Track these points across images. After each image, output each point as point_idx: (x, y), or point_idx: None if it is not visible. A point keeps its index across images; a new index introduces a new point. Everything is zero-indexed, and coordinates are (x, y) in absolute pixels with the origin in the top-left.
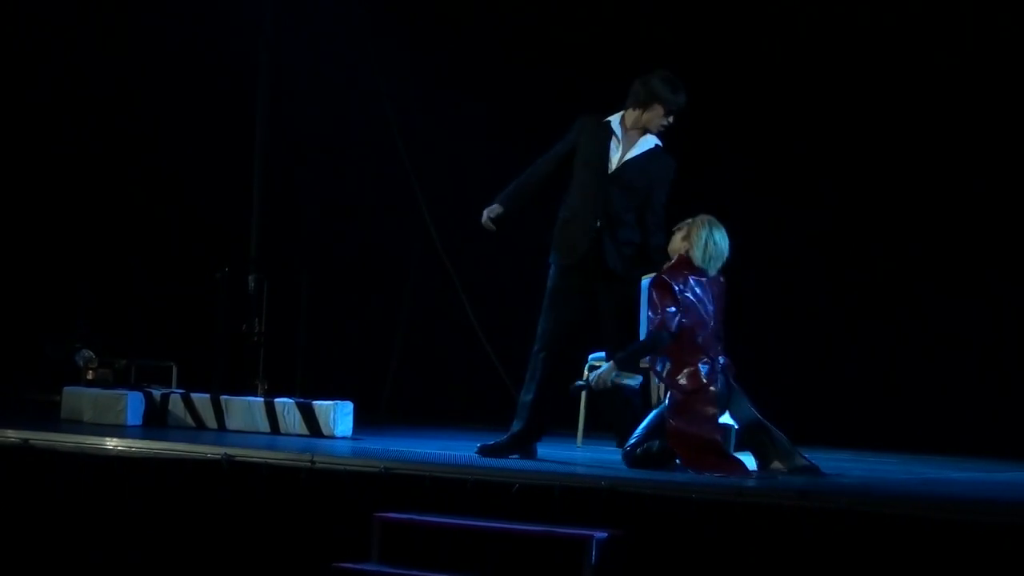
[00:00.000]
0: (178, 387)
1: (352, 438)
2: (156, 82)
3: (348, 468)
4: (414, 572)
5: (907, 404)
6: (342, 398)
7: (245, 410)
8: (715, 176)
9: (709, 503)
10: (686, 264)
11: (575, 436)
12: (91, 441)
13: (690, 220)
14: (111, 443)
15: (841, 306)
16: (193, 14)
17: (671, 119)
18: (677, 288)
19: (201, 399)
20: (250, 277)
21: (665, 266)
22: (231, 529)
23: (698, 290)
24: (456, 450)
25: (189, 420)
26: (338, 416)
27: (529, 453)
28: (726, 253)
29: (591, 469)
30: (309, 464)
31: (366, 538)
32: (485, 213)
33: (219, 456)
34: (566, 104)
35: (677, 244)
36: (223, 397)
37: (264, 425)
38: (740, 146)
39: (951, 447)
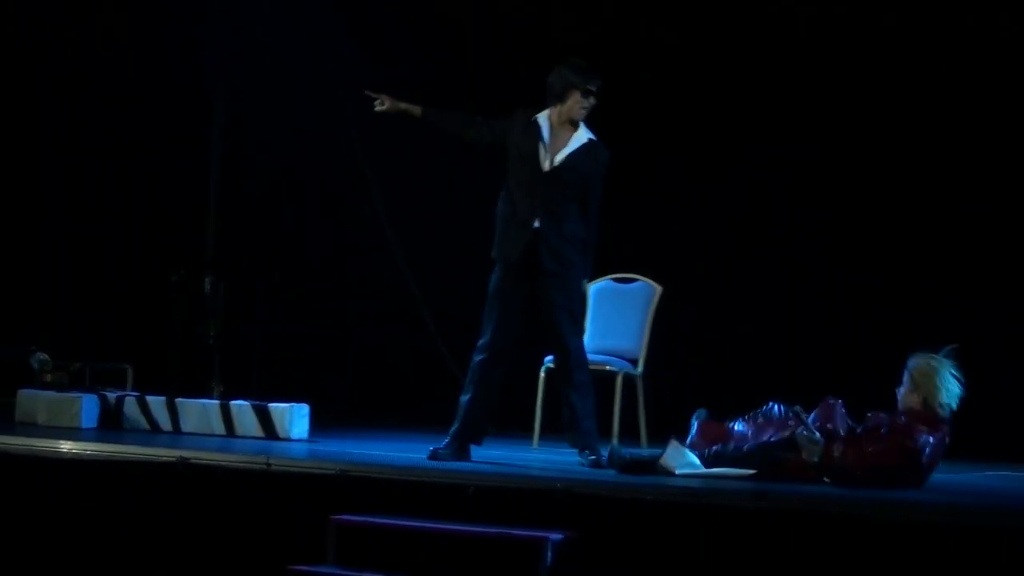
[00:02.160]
0: (133, 390)
1: (308, 440)
2: (112, 81)
3: (304, 470)
4: (369, 574)
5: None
6: (298, 400)
7: (200, 412)
8: (714, 175)
9: (664, 504)
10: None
11: (531, 438)
12: (44, 444)
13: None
14: (65, 446)
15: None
16: (151, 15)
17: (592, 99)
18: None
19: (156, 401)
20: (206, 279)
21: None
22: (186, 532)
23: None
24: (412, 452)
25: (144, 423)
26: (294, 418)
27: (462, 454)
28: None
29: (547, 471)
30: (265, 466)
31: (322, 540)
32: (383, 100)
33: (174, 459)
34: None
35: (909, 400)
36: (178, 400)
37: (219, 427)
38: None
39: None
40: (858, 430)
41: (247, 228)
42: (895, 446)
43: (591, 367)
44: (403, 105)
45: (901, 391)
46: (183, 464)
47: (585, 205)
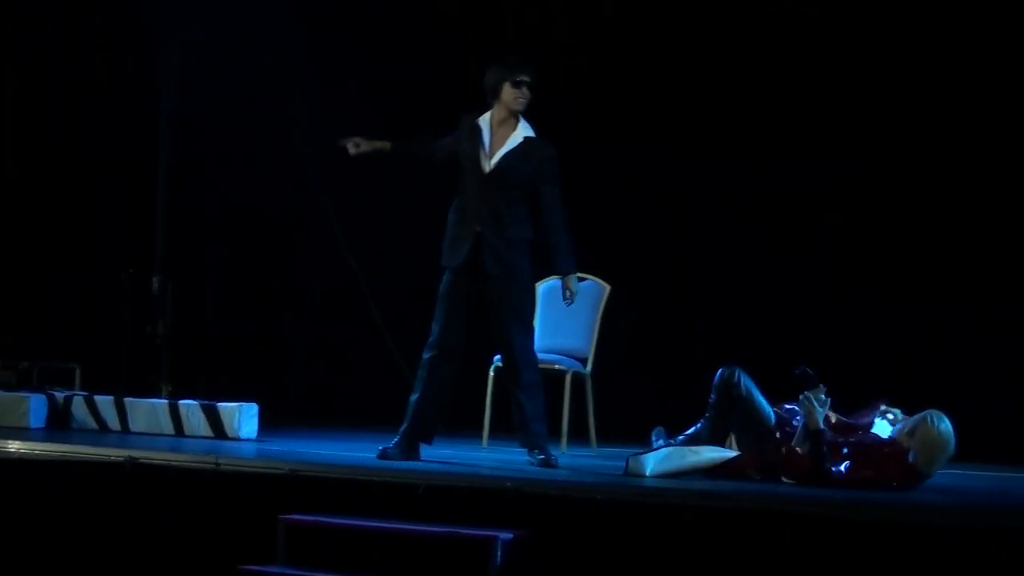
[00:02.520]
0: (81, 389)
1: (257, 440)
2: (62, 78)
3: (253, 470)
4: (319, 574)
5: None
6: (247, 400)
7: (149, 412)
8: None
9: (613, 503)
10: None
11: (481, 437)
12: None
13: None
14: (13, 445)
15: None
16: (104, 13)
17: (525, 90)
18: None
19: (104, 401)
20: (155, 278)
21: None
22: (135, 532)
23: None
24: (361, 452)
25: (92, 422)
26: (243, 418)
27: (412, 453)
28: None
29: (496, 470)
30: (214, 466)
31: (271, 540)
32: (356, 142)
33: (122, 459)
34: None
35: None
36: (127, 399)
37: (168, 427)
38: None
39: None
40: (845, 448)
41: (196, 227)
42: (894, 470)
43: (540, 366)
44: (377, 144)
45: (897, 428)
46: (132, 464)
47: (534, 206)
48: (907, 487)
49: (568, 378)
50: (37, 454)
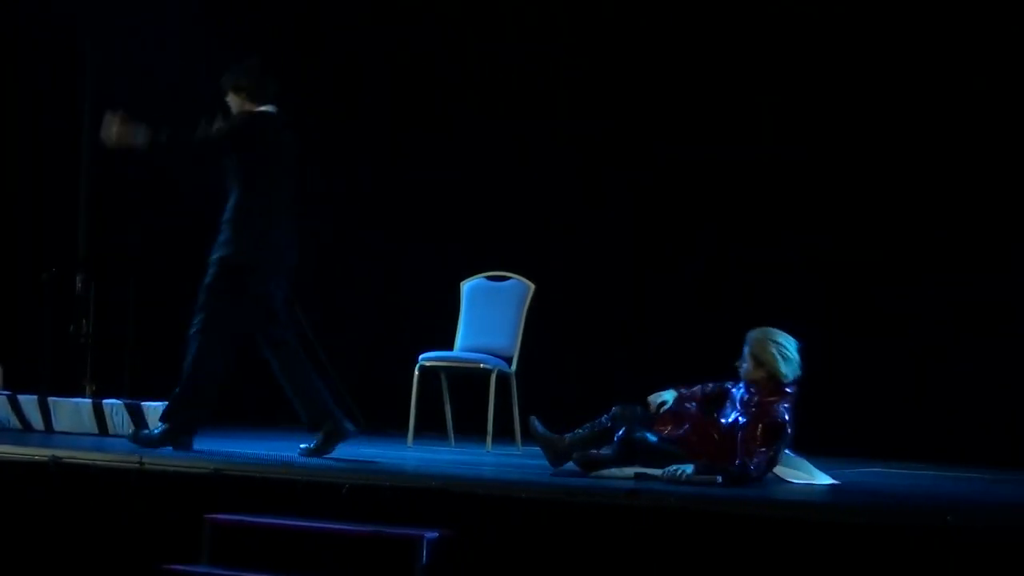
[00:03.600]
0: (4, 389)
1: None
2: None
3: (177, 469)
4: (245, 573)
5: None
6: (148, 397)
7: (73, 412)
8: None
9: (539, 502)
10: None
11: (406, 436)
12: None
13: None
14: None
15: (693, 304)
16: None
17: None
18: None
19: (28, 400)
20: (77, 277)
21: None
22: (59, 532)
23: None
24: (286, 451)
25: (15, 422)
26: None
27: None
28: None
29: (422, 469)
30: (138, 465)
31: (196, 540)
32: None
33: (46, 458)
34: (389, 102)
35: (755, 375)
36: (50, 398)
37: (92, 426)
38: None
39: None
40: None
41: (118, 226)
42: (765, 431)
43: (466, 364)
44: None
45: (744, 367)
46: (55, 463)
47: (239, 183)
48: (786, 400)
49: (493, 377)
50: None
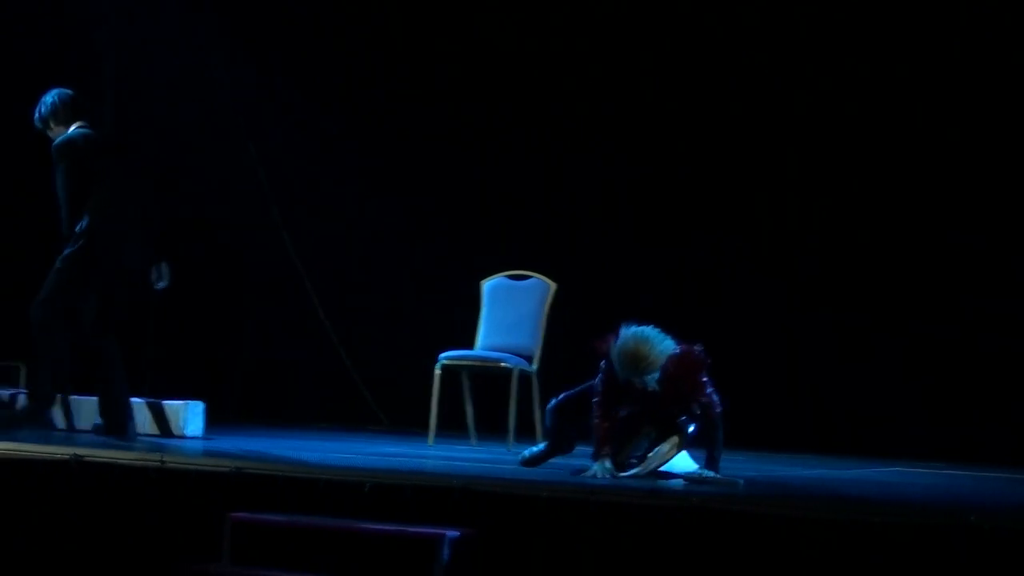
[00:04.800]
0: (26, 387)
1: (203, 438)
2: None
3: (199, 468)
4: (266, 572)
5: (793, 403)
6: (192, 398)
7: (94, 410)
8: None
9: (560, 501)
10: None
11: (427, 435)
12: None
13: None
14: None
15: (715, 304)
16: (45, 10)
17: None
18: None
19: None
20: None
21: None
22: (81, 530)
23: None
24: (307, 450)
25: None
26: (189, 416)
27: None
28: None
29: (443, 468)
30: (159, 464)
31: (217, 538)
32: None
33: (68, 456)
34: (408, 107)
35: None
36: (72, 397)
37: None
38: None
39: (810, 446)
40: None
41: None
42: (694, 370)
43: (487, 363)
44: None
45: (652, 380)
46: (77, 461)
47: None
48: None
49: (514, 375)
50: None
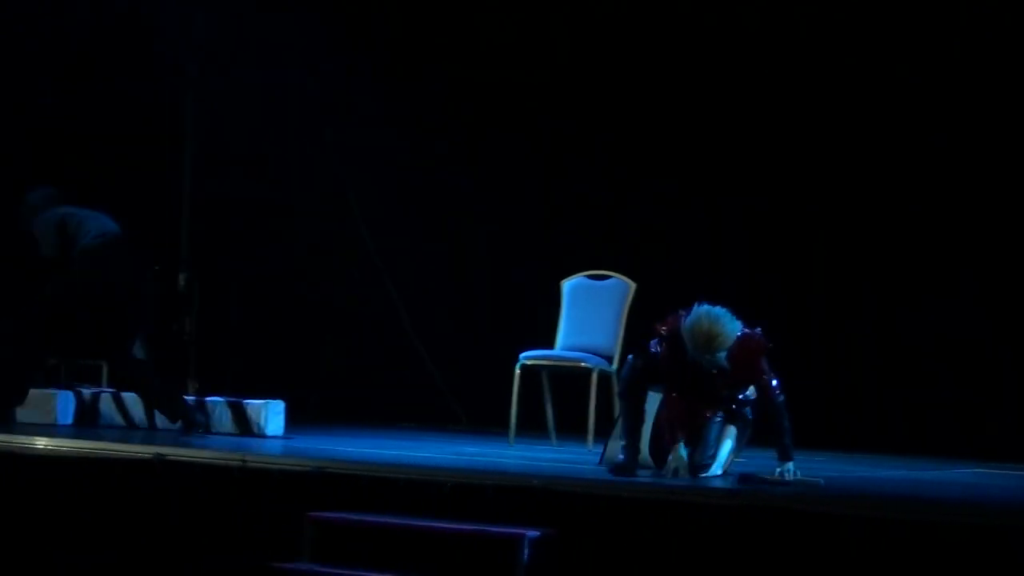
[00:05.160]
0: (108, 386)
1: (283, 437)
2: (89, 74)
3: (280, 467)
4: (346, 571)
5: (841, 403)
6: (274, 397)
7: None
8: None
9: (640, 502)
10: None
11: (507, 435)
12: (20, 440)
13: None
14: (41, 442)
15: (793, 305)
16: (126, 15)
17: None
18: None
19: (131, 398)
20: (181, 275)
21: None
22: (162, 529)
23: None
24: (388, 449)
25: (119, 419)
26: (269, 415)
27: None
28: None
29: (524, 468)
30: (241, 463)
31: (298, 537)
32: None
33: (150, 455)
34: (488, 108)
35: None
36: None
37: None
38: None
39: (890, 446)
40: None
41: (222, 224)
42: (754, 357)
43: (567, 363)
44: None
45: (721, 360)
46: (160, 461)
47: None
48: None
49: (594, 375)
50: (64, 451)
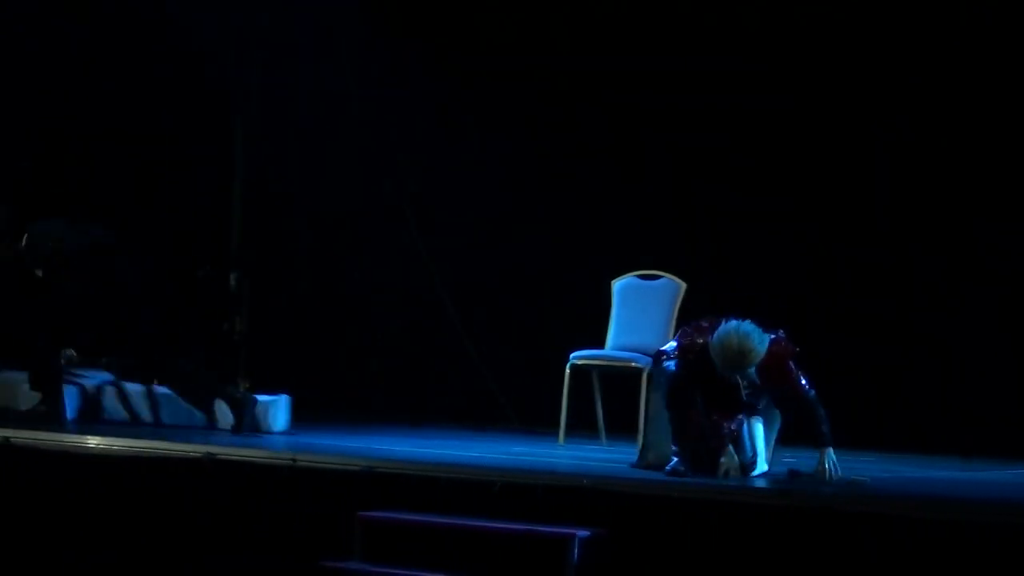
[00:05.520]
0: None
1: (287, 433)
2: (139, 74)
3: (330, 467)
4: (396, 570)
5: (888, 402)
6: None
7: (178, 402)
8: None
9: (690, 502)
10: None
11: (557, 434)
12: (71, 439)
13: None
14: (92, 441)
15: (845, 305)
16: (177, 16)
17: None
18: None
19: (136, 391)
20: (231, 274)
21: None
22: (213, 528)
23: None
24: (438, 449)
25: (123, 412)
26: (276, 411)
27: None
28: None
29: (574, 468)
30: (291, 463)
31: (349, 536)
32: None
33: (201, 455)
34: (539, 106)
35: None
36: (157, 389)
37: (201, 419)
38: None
39: (941, 447)
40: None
41: (273, 223)
42: (783, 362)
43: (618, 362)
44: None
45: (752, 375)
46: (210, 460)
47: None
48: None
49: (644, 375)
50: (115, 450)
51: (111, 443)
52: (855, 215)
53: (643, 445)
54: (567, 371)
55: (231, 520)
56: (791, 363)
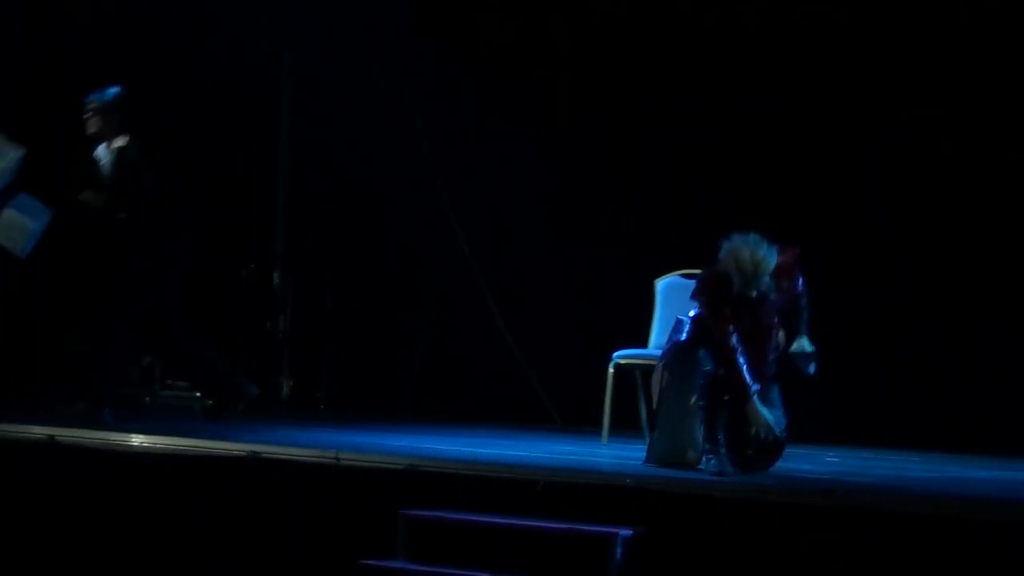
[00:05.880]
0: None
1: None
2: (183, 74)
3: (373, 465)
4: (439, 569)
5: (931, 401)
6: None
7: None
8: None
9: (733, 501)
10: None
11: (600, 433)
12: (116, 438)
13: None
14: (136, 440)
15: (862, 304)
16: (221, 14)
17: (87, 113)
18: None
19: None
20: (275, 273)
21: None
22: (256, 526)
23: None
24: (480, 448)
25: None
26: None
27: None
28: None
29: (617, 467)
30: (334, 461)
31: (391, 535)
32: None
33: (244, 453)
34: (580, 105)
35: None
36: None
37: None
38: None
39: (975, 446)
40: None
41: (316, 222)
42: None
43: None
44: None
45: (769, 285)
46: (254, 458)
47: None
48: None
49: (657, 368)
50: (159, 448)
51: (155, 442)
52: (855, 215)
53: (651, 440)
54: (610, 370)
55: (274, 518)
56: (798, 266)
